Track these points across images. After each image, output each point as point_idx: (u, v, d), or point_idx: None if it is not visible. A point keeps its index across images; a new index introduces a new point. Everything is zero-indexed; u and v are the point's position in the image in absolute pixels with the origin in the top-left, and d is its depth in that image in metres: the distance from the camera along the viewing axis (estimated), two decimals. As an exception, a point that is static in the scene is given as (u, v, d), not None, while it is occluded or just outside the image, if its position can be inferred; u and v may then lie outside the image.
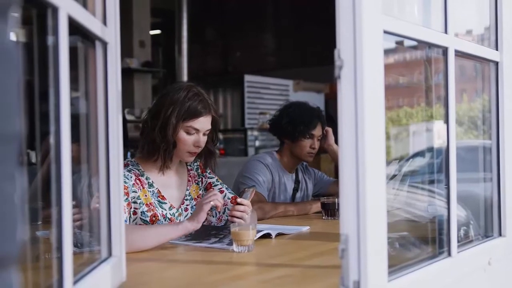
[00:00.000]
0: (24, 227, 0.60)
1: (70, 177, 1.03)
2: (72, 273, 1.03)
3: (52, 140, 1.00)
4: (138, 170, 2.22)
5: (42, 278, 1.18)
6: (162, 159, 2.23)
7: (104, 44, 1.35)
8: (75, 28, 1.13)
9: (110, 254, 1.38)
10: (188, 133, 2.21)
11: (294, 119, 2.99)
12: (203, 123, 2.22)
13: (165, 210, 2.22)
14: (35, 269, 1.18)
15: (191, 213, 2.30)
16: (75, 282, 1.09)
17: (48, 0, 0.96)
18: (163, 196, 2.25)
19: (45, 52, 1.03)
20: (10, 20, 0.59)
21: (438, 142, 1.96)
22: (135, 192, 2.14)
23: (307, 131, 2.98)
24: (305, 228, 2.36)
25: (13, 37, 0.61)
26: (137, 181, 2.17)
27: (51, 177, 1.02)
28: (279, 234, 2.17)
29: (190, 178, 2.39)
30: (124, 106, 1.58)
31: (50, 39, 1.02)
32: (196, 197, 2.37)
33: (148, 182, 2.23)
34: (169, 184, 2.30)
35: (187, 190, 2.36)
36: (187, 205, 2.33)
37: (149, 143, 2.21)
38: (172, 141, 2.19)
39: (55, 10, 1.00)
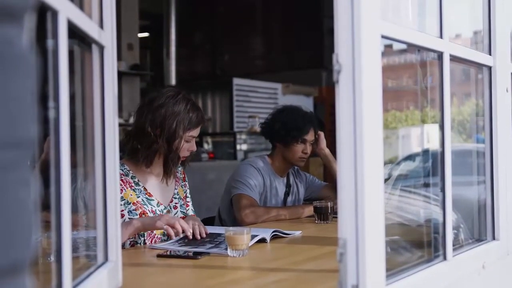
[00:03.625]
0: (37, 233, 0.60)
1: (69, 182, 1.02)
2: (71, 278, 1.03)
3: (52, 144, 0.99)
4: (123, 170, 2.24)
5: (40, 283, 1.16)
6: (168, 169, 2.30)
7: (101, 48, 1.34)
8: (73, 31, 1.12)
9: (106, 259, 1.37)
10: (187, 141, 2.30)
11: (287, 124, 2.98)
12: (199, 130, 2.35)
13: (154, 206, 2.28)
14: (32, 273, 1.16)
15: (180, 211, 2.40)
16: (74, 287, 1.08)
17: (48, 3, 0.95)
18: (150, 193, 2.30)
19: (43, 55, 1.02)
20: (26, 25, 0.59)
21: (429, 145, 1.97)
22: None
23: (300, 136, 2.98)
24: (298, 233, 2.36)
25: (28, 42, 0.61)
26: (120, 181, 2.18)
27: (46, 181, 1.01)
28: (274, 236, 2.18)
29: (177, 179, 2.46)
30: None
31: (49, 43, 1.01)
32: (183, 197, 2.45)
33: (134, 181, 2.28)
34: (156, 184, 2.35)
35: (175, 189, 2.43)
36: (175, 203, 2.40)
37: (153, 153, 2.26)
38: (178, 153, 2.27)
39: (54, 13, 0.99)
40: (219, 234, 2.17)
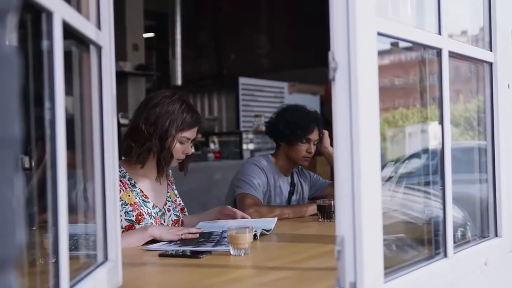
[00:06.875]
0: (22, 231, 0.60)
1: (65, 182, 1.02)
2: (69, 277, 1.03)
3: (47, 145, 0.99)
4: (120, 172, 2.26)
5: (38, 283, 1.17)
6: (161, 168, 2.32)
7: (99, 48, 1.35)
8: (69, 32, 1.12)
9: (106, 258, 1.37)
10: (181, 142, 2.32)
11: (291, 123, 2.98)
12: (194, 132, 2.36)
13: (149, 208, 2.31)
14: (29, 274, 1.17)
15: (173, 214, 2.44)
16: (72, 287, 1.09)
17: (43, 4, 0.96)
18: (146, 195, 2.33)
19: (39, 56, 1.03)
20: (9, 25, 0.60)
21: (434, 143, 1.97)
22: None
23: (304, 135, 2.98)
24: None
25: (11, 41, 0.61)
26: (119, 182, 2.21)
27: (46, 182, 1.02)
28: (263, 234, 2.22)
29: (169, 183, 2.50)
30: (117, 110, 1.60)
31: (44, 44, 1.02)
32: (174, 200, 2.48)
33: (131, 183, 2.31)
34: (151, 187, 2.38)
35: (168, 192, 2.47)
36: (169, 206, 2.44)
37: (146, 151, 2.28)
38: (170, 152, 2.29)
39: (49, 14, 1.00)
40: (211, 233, 2.20)
